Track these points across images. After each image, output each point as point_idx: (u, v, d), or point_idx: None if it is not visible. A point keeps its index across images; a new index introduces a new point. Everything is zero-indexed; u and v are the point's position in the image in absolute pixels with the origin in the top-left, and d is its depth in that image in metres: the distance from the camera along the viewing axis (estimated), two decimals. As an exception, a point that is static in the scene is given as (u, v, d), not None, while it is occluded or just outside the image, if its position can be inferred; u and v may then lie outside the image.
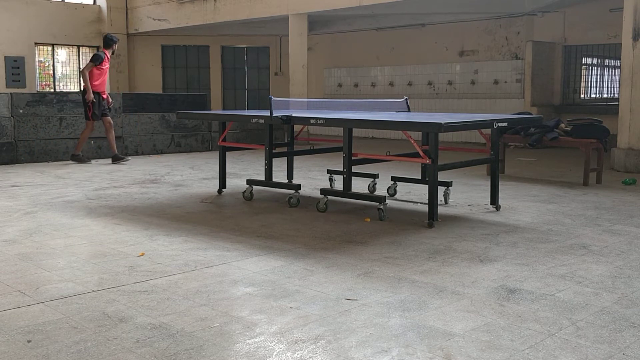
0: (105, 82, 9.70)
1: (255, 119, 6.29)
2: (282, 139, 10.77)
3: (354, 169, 5.83)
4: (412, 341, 2.72)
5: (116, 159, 9.62)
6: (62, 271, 3.80)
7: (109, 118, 9.73)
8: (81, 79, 9.82)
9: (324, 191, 5.83)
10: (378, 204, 5.42)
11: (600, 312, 3.10)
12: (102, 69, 9.52)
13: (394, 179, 6.73)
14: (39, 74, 16.88)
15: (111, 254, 4.21)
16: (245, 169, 8.91)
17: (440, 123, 4.74)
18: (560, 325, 2.91)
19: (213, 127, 11.84)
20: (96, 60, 9.44)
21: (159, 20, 16.42)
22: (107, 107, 9.69)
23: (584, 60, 13.41)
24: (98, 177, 8.10)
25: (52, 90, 16.83)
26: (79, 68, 17.42)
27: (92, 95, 9.30)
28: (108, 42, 9.73)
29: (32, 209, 5.80)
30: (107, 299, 3.29)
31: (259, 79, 18.70)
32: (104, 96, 9.66)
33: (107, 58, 9.58)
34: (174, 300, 3.26)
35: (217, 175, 7.03)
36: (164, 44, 17.98)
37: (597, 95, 13.73)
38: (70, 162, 9.61)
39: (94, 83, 9.39)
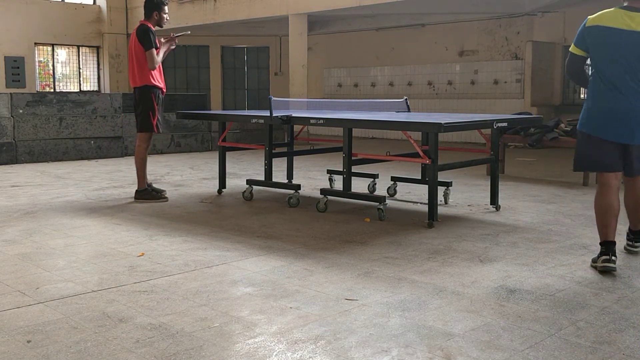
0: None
1: (255, 119, 6.29)
2: (282, 139, 10.77)
3: (354, 169, 5.83)
4: (412, 341, 2.72)
5: (143, 195, 6.25)
6: (62, 271, 3.80)
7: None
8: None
9: (323, 191, 5.83)
10: (378, 204, 5.42)
11: (600, 312, 3.10)
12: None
13: (393, 179, 6.73)
14: (39, 74, 16.89)
15: (111, 254, 4.21)
16: (245, 169, 8.91)
17: (440, 123, 4.75)
18: (560, 325, 2.91)
19: (213, 127, 11.83)
20: (150, 42, 6.23)
21: (159, 20, 16.41)
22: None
23: (583, 60, 13.39)
24: (98, 177, 8.10)
25: (52, 90, 16.83)
26: (79, 68, 17.41)
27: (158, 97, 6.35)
28: (152, 5, 6.30)
29: (32, 209, 5.80)
30: (107, 299, 3.29)
31: (258, 79, 18.71)
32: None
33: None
34: (174, 300, 3.26)
35: (217, 175, 7.03)
36: (163, 43, 17.97)
37: (597, 95, 13.70)
38: (138, 200, 6.23)
39: (154, 74, 6.34)
